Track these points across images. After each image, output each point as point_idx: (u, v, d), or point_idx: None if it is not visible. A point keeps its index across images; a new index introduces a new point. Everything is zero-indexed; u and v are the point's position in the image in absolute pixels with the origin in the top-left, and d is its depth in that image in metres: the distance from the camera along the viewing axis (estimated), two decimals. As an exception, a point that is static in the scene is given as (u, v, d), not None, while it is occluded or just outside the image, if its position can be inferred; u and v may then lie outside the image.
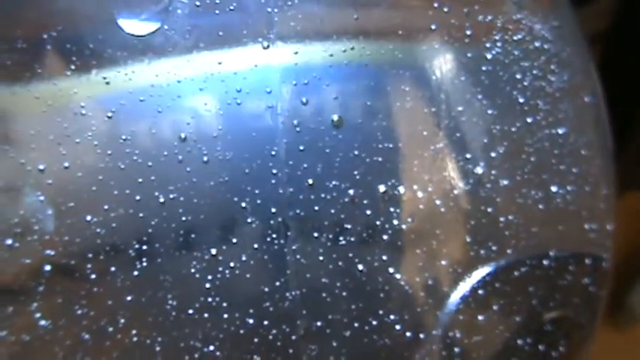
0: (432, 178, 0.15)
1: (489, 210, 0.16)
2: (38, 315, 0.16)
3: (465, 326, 0.16)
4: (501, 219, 0.16)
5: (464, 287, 0.16)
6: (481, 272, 0.16)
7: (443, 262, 0.16)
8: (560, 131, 0.17)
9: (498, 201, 0.16)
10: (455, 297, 0.16)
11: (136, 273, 0.15)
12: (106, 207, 0.15)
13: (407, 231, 0.15)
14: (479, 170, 0.16)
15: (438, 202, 0.15)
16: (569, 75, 0.17)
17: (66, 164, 0.15)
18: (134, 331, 0.15)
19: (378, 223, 0.15)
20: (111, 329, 0.16)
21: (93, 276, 0.15)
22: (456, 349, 0.17)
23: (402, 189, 0.15)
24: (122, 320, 0.15)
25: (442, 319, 0.16)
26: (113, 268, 0.15)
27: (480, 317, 0.16)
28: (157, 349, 0.16)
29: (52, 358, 0.16)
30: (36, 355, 0.16)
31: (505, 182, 0.16)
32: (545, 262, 0.17)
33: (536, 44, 0.17)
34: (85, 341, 0.16)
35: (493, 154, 0.16)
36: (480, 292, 0.16)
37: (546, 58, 0.17)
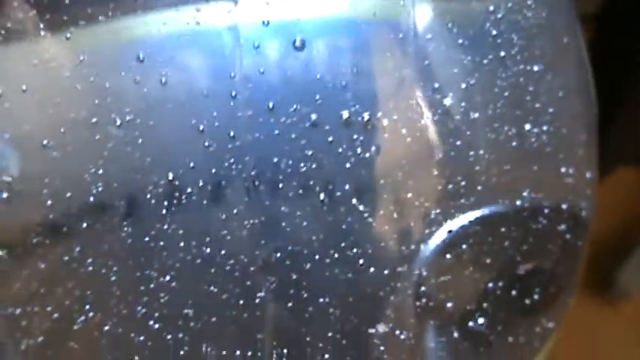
0: (398, 106, 0.15)
1: (458, 143, 0.15)
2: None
3: (435, 270, 0.16)
4: (471, 153, 0.15)
5: (432, 226, 0.16)
6: (452, 217, 0.16)
7: (409, 195, 0.15)
8: (535, 68, 0.16)
9: (468, 134, 0.15)
10: (424, 237, 0.16)
11: (91, 199, 0.15)
12: (62, 130, 0.15)
13: (370, 160, 0.15)
14: (448, 101, 0.15)
15: (403, 130, 0.15)
16: (548, 12, 0.17)
17: (23, 87, 0.15)
18: (89, 260, 0.15)
19: (340, 150, 0.15)
20: (66, 258, 0.15)
21: (49, 202, 0.15)
22: (426, 295, 0.16)
23: (366, 115, 0.15)
24: (77, 248, 0.15)
25: (409, 256, 0.16)
26: (69, 194, 0.15)
27: (450, 260, 0.16)
28: (112, 278, 0.15)
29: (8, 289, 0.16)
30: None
31: (476, 115, 0.15)
32: (518, 202, 0.16)
33: (512, -23, 0.16)
34: (41, 271, 0.15)
35: (463, 85, 0.15)
36: (451, 237, 0.16)
37: (522, -9, 0.16)
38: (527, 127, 0.16)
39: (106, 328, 0.16)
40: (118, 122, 0.14)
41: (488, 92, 0.16)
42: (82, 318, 0.16)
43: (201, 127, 0.14)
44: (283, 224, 0.15)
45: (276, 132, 0.14)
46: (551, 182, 0.17)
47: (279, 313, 0.15)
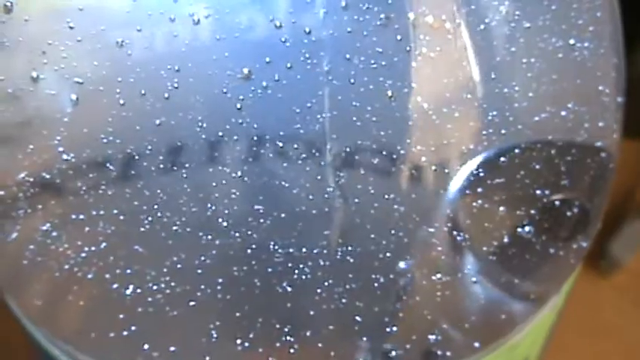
0: (460, 10, 0.16)
1: (513, 49, 0.16)
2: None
3: (468, 202, 0.17)
4: (524, 60, 0.16)
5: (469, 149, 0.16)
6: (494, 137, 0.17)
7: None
8: (577, -13, 0.17)
9: (521, 41, 0.16)
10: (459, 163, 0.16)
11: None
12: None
13: (433, 56, 0.15)
14: (503, 9, 0.16)
15: (465, 34, 0.16)
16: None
17: None
18: (160, 157, 0.15)
19: (408, 48, 0.15)
20: (137, 157, 0.15)
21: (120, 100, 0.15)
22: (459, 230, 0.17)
23: (430, 18, 0.15)
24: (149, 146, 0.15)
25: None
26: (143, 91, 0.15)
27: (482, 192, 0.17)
28: (184, 175, 0.16)
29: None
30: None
31: (528, 25, 0.16)
32: (563, 113, 0.17)
33: None
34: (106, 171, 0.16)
35: (517, -5, 0.16)
36: (483, 170, 0.17)
37: None
38: (572, 41, 0.17)
39: (174, 228, 0.16)
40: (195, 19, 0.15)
41: (538, 4, 0.17)
42: (150, 219, 0.16)
43: (278, 24, 0.15)
44: (354, 119, 0.15)
45: (349, 29, 0.15)
46: (591, 97, 0.18)
47: (346, 210, 0.16)
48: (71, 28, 0.16)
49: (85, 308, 0.18)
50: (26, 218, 0.17)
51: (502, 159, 0.17)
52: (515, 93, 0.16)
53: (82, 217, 0.17)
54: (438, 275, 0.17)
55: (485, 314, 0.19)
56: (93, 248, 0.17)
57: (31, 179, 0.17)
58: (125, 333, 0.17)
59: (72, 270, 0.17)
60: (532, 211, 0.18)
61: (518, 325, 0.20)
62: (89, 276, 0.17)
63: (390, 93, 0.15)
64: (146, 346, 0.18)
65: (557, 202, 0.18)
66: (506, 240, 0.18)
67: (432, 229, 0.17)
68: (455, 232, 0.17)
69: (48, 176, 0.17)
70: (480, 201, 0.17)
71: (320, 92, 0.15)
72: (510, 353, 0.21)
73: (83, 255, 0.17)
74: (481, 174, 0.17)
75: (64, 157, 0.16)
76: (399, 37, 0.15)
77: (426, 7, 0.15)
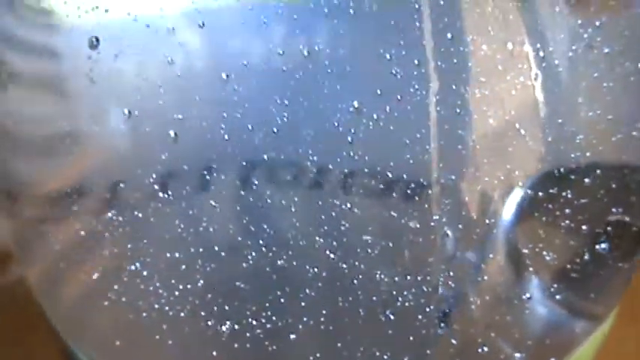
0: (552, 39, 0.16)
1: (595, 75, 0.17)
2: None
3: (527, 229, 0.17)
4: (604, 84, 0.17)
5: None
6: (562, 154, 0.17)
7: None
8: (640, 12, 0.18)
9: (602, 67, 0.17)
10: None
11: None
12: None
13: (530, 84, 0.16)
14: (586, 35, 0.17)
15: (556, 61, 0.16)
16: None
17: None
18: (268, 192, 0.15)
19: (508, 77, 0.16)
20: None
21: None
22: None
23: (527, 47, 0.16)
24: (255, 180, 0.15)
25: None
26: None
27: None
28: (293, 209, 0.15)
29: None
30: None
31: (607, 50, 0.17)
32: (634, 133, 0.18)
33: None
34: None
35: (597, 23, 0.17)
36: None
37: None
38: None
39: (280, 262, 0.16)
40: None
41: (614, 29, 0.17)
42: (253, 254, 0.16)
43: (387, 56, 0.15)
44: (459, 147, 0.16)
45: (455, 60, 0.15)
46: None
47: (451, 237, 0.16)
48: (170, 62, 0.15)
49: (173, 346, 0.17)
50: (111, 258, 0.17)
51: (586, 180, 0.17)
52: (597, 116, 0.17)
53: (177, 255, 0.16)
54: (527, 295, 0.18)
55: (559, 331, 0.19)
56: (189, 286, 0.16)
57: (120, 219, 0.16)
58: (217, 370, 0.17)
59: (162, 309, 0.17)
60: (607, 228, 0.19)
61: (585, 340, 0.20)
62: (182, 314, 0.17)
63: (491, 121, 0.16)
64: (238, 382, 0.17)
65: (627, 219, 0.19)
66: (580, 258, 0.19)
67: (524, 250, 0.17)
68: (543, 253, 0.18)
69: (140, 215, 0.16)
70: (558, 221, 0.18)
71: (428, 123, 0.15)
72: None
73: (176, 293, 0.17)
74: (563, 193, 0.17)
75: (160, 194, 0.16)
76: (500, 67, 0.16)
77: (523, 37, 0.16)
